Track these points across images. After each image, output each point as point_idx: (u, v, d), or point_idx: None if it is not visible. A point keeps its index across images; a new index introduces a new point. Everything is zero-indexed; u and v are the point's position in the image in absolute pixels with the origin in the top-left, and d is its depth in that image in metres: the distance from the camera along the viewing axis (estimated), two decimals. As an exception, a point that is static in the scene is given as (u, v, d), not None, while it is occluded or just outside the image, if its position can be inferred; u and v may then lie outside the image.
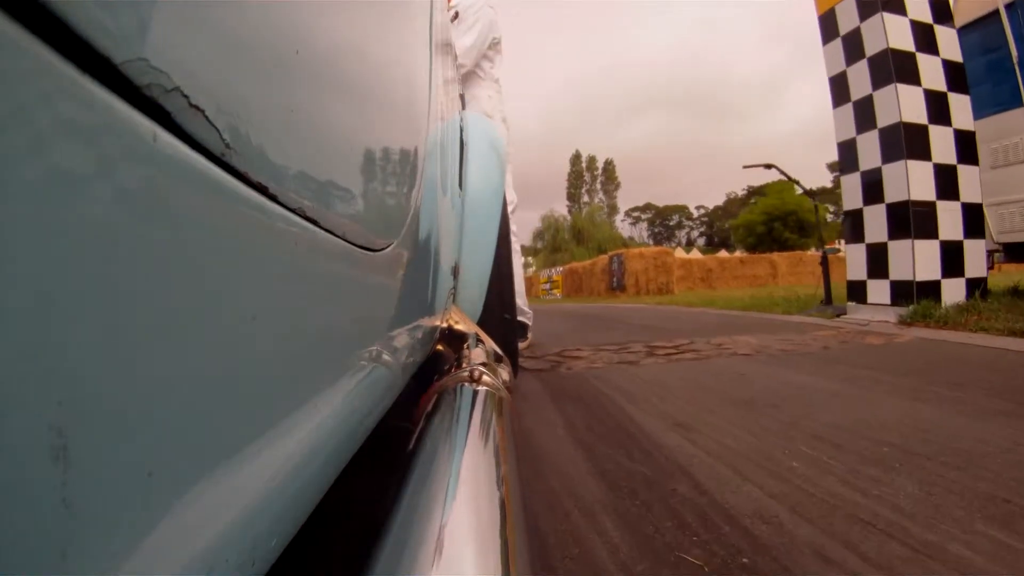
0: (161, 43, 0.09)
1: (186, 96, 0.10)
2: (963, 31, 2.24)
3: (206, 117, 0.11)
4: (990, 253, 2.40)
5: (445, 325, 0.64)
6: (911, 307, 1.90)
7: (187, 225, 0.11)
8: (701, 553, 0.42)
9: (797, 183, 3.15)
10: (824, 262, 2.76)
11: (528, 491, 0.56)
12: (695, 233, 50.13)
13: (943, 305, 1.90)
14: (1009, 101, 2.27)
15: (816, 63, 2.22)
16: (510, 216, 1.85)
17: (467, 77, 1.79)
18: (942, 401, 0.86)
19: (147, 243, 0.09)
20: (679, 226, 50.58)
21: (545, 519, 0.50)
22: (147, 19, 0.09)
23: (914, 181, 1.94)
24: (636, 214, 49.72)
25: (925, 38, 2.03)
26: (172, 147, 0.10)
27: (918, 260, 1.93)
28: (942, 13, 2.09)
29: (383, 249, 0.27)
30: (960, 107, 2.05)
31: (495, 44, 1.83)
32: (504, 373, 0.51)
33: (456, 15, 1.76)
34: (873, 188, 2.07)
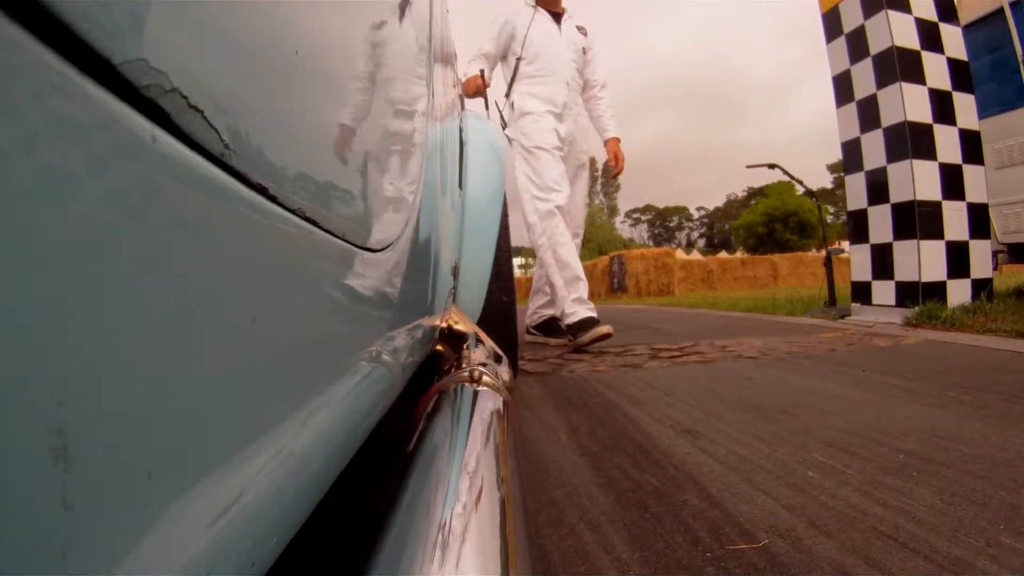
0: (160, 44, 0.09)
1: (185, 97, 0.10)
2: (968, 29, 2.22)
3: (205, 118, 0.11)
4: (995, 254, 2.38)
5: (445, 325, 0.64)
6: (917, 308, 1.88)
7: (186, 226, 0.11)
8: (715, 571, 0.41)
9: (800, 183, 3.14)
10: (828, 263, 2.75)
11: (529, 501, 0.55)
12: (695, 234, 50.00)
13: (949, 306, 1.89)
14: (1014, 100, 2.25)
15: (818, 64, 2.20)
16: (584, 218, 1.88)
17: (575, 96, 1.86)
18: (957, 405, 0.84)
19: (147, 244, 0.09)
20: (679, 227, 50.43)
21: (549, 534, 0.48)
22: (146, 20, 0.09)
23: (920, 181, 1.93)
24: (636, 215, 49.63)
25: (930, 36, 2.02)
26: (171, 148, 0.10)
27: (924, 261, 1.92)
28: (947, 11, 2.07)
29: (383, 249, 0.27)
30: (965, 106, 2.04)
31: None
32: (504, 373, 0.51)
33: (584, 32, 1.87)
34: (878, 188, 2.06)
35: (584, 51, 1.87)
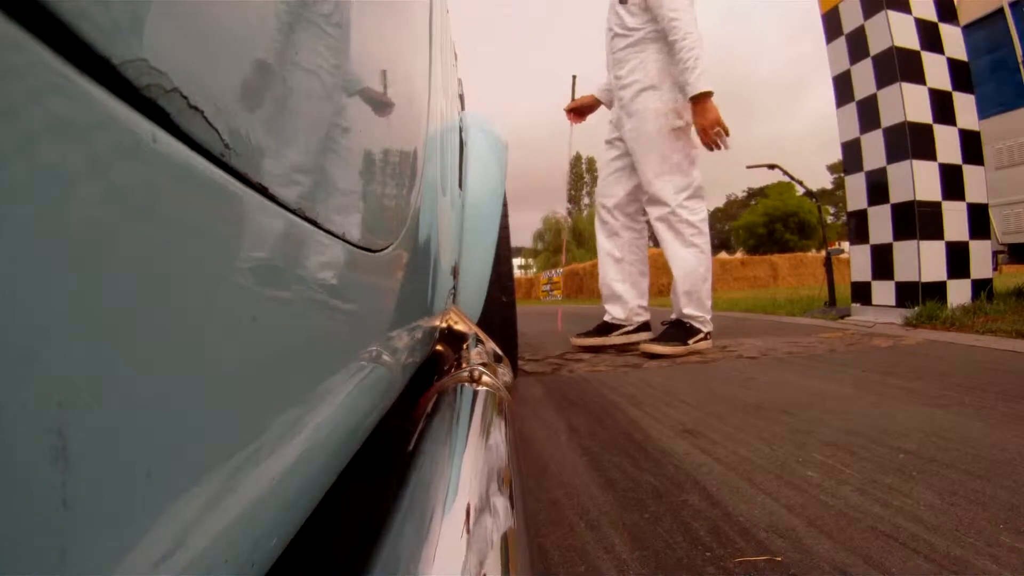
0: (160, 43, 0.09)
1: (185, 97, 0.10)
2: (968, 29, 2.22)
3: (205, 118, 0.11)
4: (995, 254, 2.38)
5: (445, 325, 0.64)
6: (917, 308, 1.88)
7: (186, 226, 0.11)
8: (715, 571, 0.41)
9: (800, 183, 3.14)
10: (828, 263, 2.75)
11: (529, 501, 0.55)
12: (697, 234, 49.87)
13: (949, 307, 1.89)
14: (1014, 101, 2.25)
15: (818, 64, 2.21)
16: (654, 186, 1.57)
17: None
18: (957, 405, 0.84)
19: (147, 244, 0.09)
20: (681, 226, 50.28)
21: (548, 533, 0.48)
22: (146, 19, 0.09)
23: (919, 181, 1.93)
24: (638, 215, 49.52)
25: (930, 36, 2.02)
26: (171, 148, 0.10)
27: (923, 261, 1.92)
28: (947, 11, 2.08)
29: (383, 249, 0.27)
30: (965, 106, 2.04)
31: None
32: (504, 374, 0.51)
33: None
34: (878, 188, 2.06)
35: None
